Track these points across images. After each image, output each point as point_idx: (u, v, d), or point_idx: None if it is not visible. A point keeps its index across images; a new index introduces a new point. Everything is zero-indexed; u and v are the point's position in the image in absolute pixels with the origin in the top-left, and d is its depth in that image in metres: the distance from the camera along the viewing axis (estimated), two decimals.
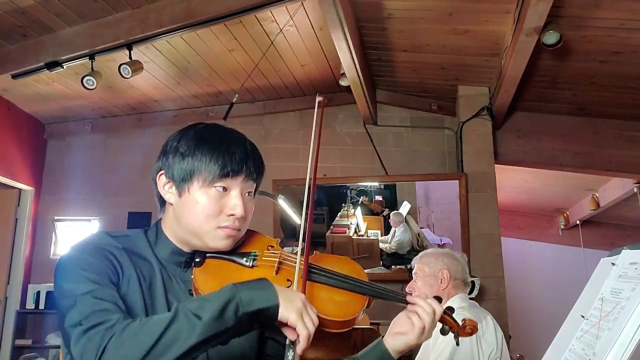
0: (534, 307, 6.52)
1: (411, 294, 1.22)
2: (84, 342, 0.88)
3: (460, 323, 1.16)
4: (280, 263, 1.12)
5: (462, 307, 2.17)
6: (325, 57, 4.04)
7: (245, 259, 1.11)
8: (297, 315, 0.92)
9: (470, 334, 1.16)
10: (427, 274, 2.21)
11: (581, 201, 6.28)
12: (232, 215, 1.07)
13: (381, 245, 4.44)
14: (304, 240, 1.09)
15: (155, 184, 1.13)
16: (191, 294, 1.08)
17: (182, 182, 1.08)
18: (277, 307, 0.92)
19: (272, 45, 3.66)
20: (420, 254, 2.34)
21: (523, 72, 3.48)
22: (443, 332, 1.17)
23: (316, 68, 4.25)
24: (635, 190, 4.85)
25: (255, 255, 1.12)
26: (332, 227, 4.51)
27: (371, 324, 3.11)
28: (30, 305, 4.35)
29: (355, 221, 4.52)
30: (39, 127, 4.66)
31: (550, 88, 4.04)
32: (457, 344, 1.19)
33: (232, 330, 0.90)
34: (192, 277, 1.08)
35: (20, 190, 4.44)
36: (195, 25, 3.22)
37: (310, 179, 1.14)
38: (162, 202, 1.15)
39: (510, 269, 5.01)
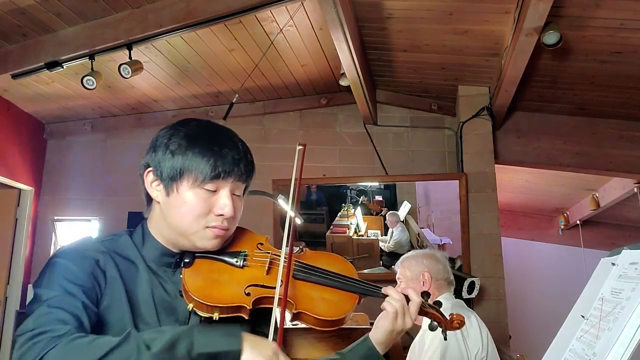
0: (534, 307, 6.52)
1: None
2: (27, 346, 0.86)
3: (448, 317, 1.19)
4: (270, 263, 1.10)
5: (445, 308, 2.19)
6: (325, 57, 4.04)
7: (235, 259, 1.10)
8: None
9: (458, 328, 1.20)
10: (409, 278, 2.25)
11: (581, 201, 6.27)
12: (220, 215, 1.05)
13: (381, 244, 4.44)
14: (288, 237, 1.07)
15: (143, 180, 1.11)
16: (181, 295, 1.06)
17: (170, 181, 1.06)
18: (238, 352, 0.91)
19: (272, 45, 3.66)
20: (402, 258, 2.35)
21: (523, 72, 3.48)
22: (432, 327, 1.20)
23: (316, 68, 4.24)
24: (635, 190, 4.85)
25: (246, 255, 1.11)
26: (332, 227, 4.51)
27: (371, 323, 3.10)
28: None
29: (355, 221, 4.52)
30: (38, 126, 4.65)
31: (550, 88, 4.04)
32: (445, 338, 1.22)
33: None
34: (182, 278, 1.06)
35: (20, 190, 4.44)
36: (195, 25, 3.21)
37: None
38: (149, 199, 1.12)
39: (510, 269, 5.01)
